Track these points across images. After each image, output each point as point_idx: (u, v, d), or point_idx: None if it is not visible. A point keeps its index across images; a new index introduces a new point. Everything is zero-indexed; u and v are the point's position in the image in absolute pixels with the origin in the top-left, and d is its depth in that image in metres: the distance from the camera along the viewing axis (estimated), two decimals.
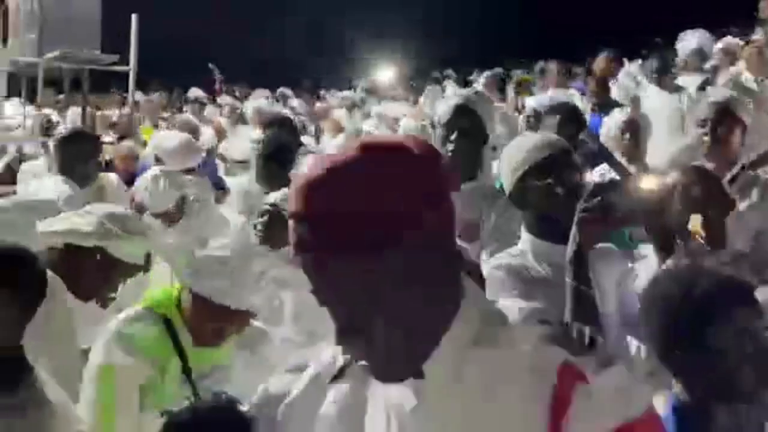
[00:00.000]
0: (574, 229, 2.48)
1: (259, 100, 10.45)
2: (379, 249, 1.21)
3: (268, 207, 3.73)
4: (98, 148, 5.60)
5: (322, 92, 13.09)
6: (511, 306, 2.43)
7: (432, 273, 1.25)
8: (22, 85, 9.56)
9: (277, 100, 11.33)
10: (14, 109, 9.45)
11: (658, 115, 7.11)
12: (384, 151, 1.27)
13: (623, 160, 5.11)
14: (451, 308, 1.28)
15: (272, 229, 3.57)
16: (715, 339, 1.92)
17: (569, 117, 5.17)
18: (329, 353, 1.51)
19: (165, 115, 10.35)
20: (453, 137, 3.69)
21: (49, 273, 3.08)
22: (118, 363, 2.77)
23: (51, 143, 6.02)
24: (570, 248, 2.48)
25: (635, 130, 5.43)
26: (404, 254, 1.21)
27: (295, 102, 10.98)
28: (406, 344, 1.26)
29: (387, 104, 9.70)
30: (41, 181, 5.47)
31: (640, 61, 8.57)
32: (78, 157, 5.09)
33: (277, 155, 4.91)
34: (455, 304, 1.28)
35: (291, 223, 1.26)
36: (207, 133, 8.59)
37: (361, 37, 15.44)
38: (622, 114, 5.67)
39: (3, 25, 9.27)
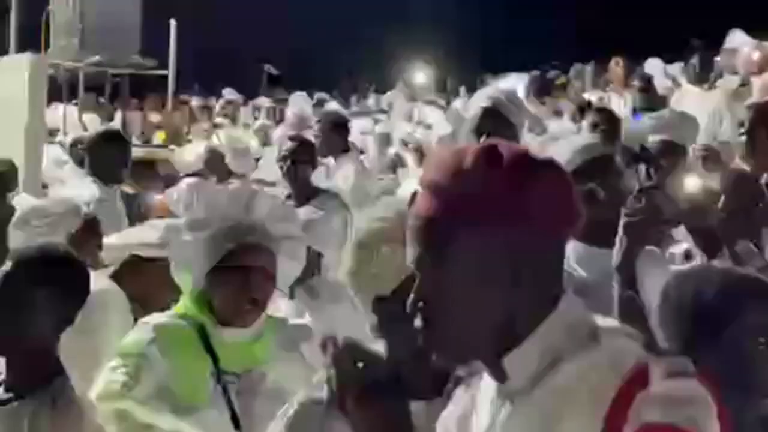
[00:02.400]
0: (620, 234, 2.48)
1: (299, 106, 10.63)
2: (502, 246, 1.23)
3: None
4: (128, 150, 5.63)
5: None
6: None
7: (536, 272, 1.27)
8: (62, 89, 9.71)
9: (315, 105, 11.51)
10: (56, 114, 9.61)
11: (697, 116, 6.78)
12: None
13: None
14: (543, 311, 1.29)
15: None
16: (729, 336, 1.91)
17: (607, 119, 5.26)
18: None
19: (205, 125, 10.62)
20: (481, 141, 3.69)
21: (110, 284, 3.36)
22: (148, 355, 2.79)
23: (80, 146, 6.12)
24: (617, 253, 2.48)
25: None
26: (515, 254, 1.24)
27: (333, 105, 11.06)
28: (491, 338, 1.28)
29: (421, 108, 9.82)
30: (70, 183, 5.65)
31: (681, 64, 8.58)
32: (105, 158, 5.16)
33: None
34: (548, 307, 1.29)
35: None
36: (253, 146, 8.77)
37: (397, 38, 15.33)
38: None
39: (45, 31, 9.41)
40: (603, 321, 1.34)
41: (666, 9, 15.97)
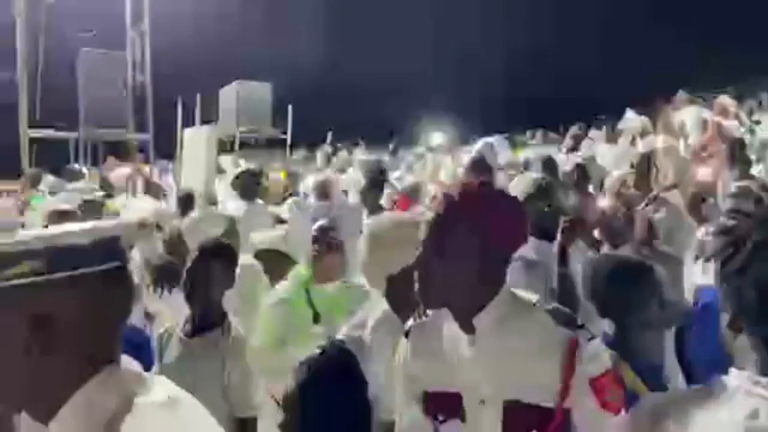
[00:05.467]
0: (560, 233, 2.48)
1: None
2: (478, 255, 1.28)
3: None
4: (259, 181, 5.58)
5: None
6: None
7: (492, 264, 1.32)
8: (225, 147, 9.91)
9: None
10: (225, 162, 9.65)
11: (607, 159, 6.83)
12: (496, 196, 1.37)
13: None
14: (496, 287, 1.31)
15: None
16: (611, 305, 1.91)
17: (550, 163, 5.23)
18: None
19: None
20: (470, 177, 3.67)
21: (252, 261, 3.46)
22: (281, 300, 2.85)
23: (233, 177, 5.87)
24: (558, 244, 2.48)
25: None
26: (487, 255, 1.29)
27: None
28: (468, 302, 1.30)
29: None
30: (226, 201, 5.68)
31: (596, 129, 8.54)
32: (248, 186, 5.18)
33: None
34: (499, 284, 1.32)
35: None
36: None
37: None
38: None
39: (216, 111, 9.83)
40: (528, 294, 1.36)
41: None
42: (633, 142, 7.60)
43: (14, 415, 1.08)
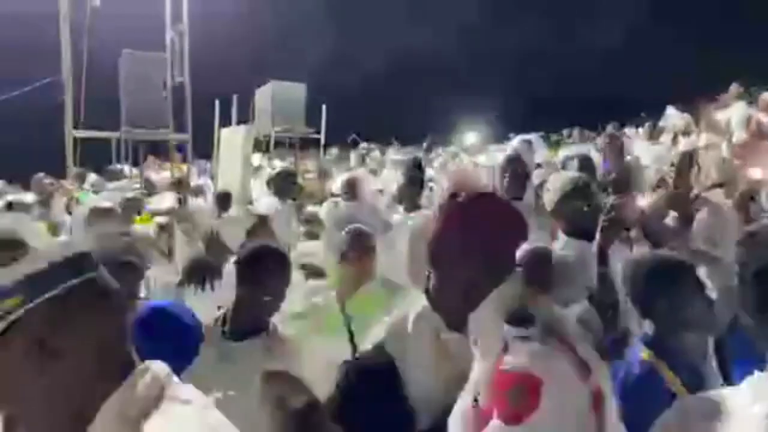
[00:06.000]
0: (599, 232, 2.42)
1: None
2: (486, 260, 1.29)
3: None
4: (295, 180, 5.75)
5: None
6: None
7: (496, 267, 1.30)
8: (261, 147, 10.33)
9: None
10: (257, 160, 10.14)
11: (647, 158, 6.71)
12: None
13: None
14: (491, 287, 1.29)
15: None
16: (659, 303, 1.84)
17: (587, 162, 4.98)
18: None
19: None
20: (507, 175, 3.65)
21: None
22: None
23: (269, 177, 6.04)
24: (597, 244, 2.41)
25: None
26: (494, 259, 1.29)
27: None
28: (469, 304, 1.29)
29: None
30: (261, 199, 5.75)
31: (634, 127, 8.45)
32: (283, 185, 5.28)
33: None
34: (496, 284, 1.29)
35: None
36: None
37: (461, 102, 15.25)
38: None
39: (252, 111, 10.03)
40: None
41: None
42: (675, 140, 7.58)
43: None
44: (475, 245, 1.28)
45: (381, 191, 6.71)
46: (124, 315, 1.06)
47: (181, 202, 6.26)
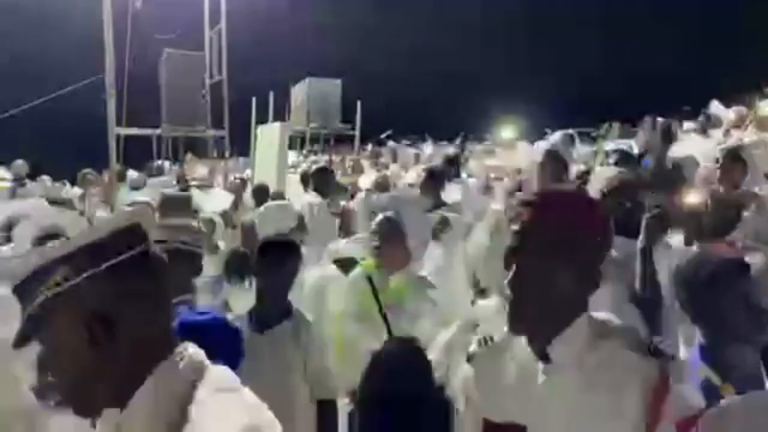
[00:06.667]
0: (642, 229, 2.33)
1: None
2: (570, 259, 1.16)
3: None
4: (333, 177, 5.69)
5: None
6: None
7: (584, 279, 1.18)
8: (296, 143, 10.47)
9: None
10: (293, 156, 10.14)
11: (696, 155, 6.20)
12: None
13: None
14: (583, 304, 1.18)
15: None
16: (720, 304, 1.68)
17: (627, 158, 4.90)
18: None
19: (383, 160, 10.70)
20: (545, 170, 3.57)
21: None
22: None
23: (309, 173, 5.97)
24: (640, 242, 2.33)
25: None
26: (579, 265, 1.16)
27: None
28: (547, 327, 1.16)
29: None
30: (301, 195, 5.63)
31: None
32: (321, 181, 5.18)
33: None
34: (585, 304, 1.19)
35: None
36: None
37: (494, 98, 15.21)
38: None
39: (288, 108, 10.22)
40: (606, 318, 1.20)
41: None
42: (727, 134, 7.06)
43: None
44: (566, 248, 1.15)
45: (412, 186, 6.63)
46: (171, 292, 1.07)
47: (237, 202, 6.34)
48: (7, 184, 7.78)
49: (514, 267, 1.18)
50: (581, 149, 7.83)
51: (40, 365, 1.08)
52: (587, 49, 17.41)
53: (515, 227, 1.19)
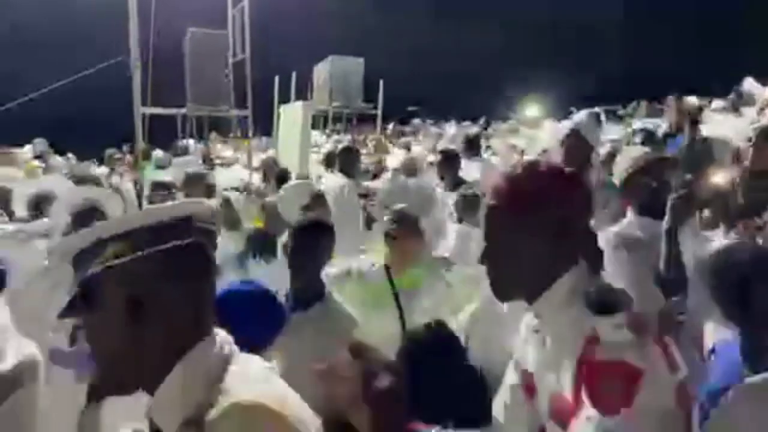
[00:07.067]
0: (668, 210, 2.28)
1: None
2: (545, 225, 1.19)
3: None
4: (359, 156, 5.56)
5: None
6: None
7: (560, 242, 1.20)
8: (318, 122, 10.38)
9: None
10: (316, 136, 10.07)
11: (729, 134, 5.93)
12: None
13: None
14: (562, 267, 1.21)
15: None
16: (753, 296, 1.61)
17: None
18: None
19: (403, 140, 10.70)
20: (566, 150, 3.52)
21: None
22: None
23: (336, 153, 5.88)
24: (666, 223, 2.27)
25: None
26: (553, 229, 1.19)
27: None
28: (533, 281, 1.22)
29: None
30: (327, 176, 5.54)
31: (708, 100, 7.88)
32: (348, 161, 5.14)
33: None
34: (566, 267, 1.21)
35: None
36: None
37: (517, 79, 15.05)
38: None
39: (310, 87, 10.26)
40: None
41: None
42: (762, 112, 6.92)
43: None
44: (539, 217, 1.19)
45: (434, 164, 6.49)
46: (213, 284, 1.09)
47: (269, 178, 6.37)
48: (42, 164, 7.85)
49: (484, 241, 1.25)
50: (609, 128, 7.68)
51: (83, 334, 1.08)
52: (612, 25, 17.00)
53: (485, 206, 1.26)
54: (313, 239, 2.34)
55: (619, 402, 1.03)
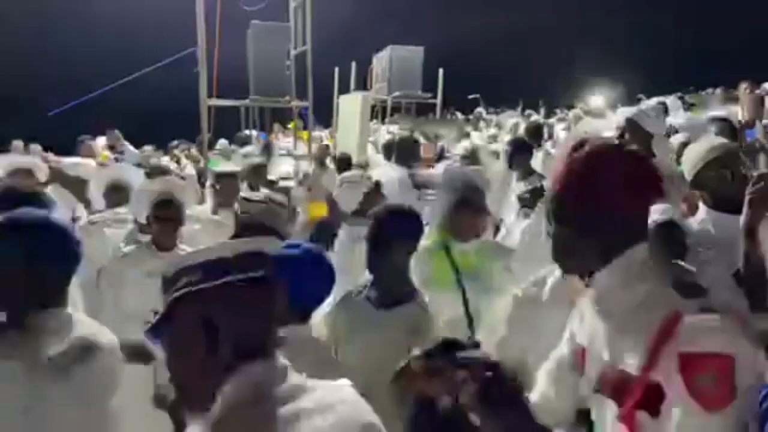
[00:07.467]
0: (746, 205, 2.13)
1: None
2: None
3: None
4: (418, 147, 5.65)
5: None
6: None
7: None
8: (378, 112, 10.59)
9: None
10: (374, 126, 10.13)
11: None
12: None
13: None
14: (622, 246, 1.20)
15: None
16: None
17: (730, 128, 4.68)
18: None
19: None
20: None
21: None
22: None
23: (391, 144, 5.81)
24: (743, 219, 2.12)
25: None
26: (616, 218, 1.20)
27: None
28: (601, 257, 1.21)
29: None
30: (382, 168, 5.51)
31: None
32: (407, 151, 5.20)
33: None
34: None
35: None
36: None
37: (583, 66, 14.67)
38: None
39: (370, 78, 10.32)
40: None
41: None
42: None
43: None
44: (600, 200, 1.19)
45: (497, 154, 6.49)
46: (277, 315, 1.16)
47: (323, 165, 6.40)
48: (111, 155, 8.22)
49: (552, 222, 1.27)
50: (681, 115, 7.28)
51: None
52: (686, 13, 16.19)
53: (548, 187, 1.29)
54: (395, 232, 2.22)
55: (725, 398, 1.02)
